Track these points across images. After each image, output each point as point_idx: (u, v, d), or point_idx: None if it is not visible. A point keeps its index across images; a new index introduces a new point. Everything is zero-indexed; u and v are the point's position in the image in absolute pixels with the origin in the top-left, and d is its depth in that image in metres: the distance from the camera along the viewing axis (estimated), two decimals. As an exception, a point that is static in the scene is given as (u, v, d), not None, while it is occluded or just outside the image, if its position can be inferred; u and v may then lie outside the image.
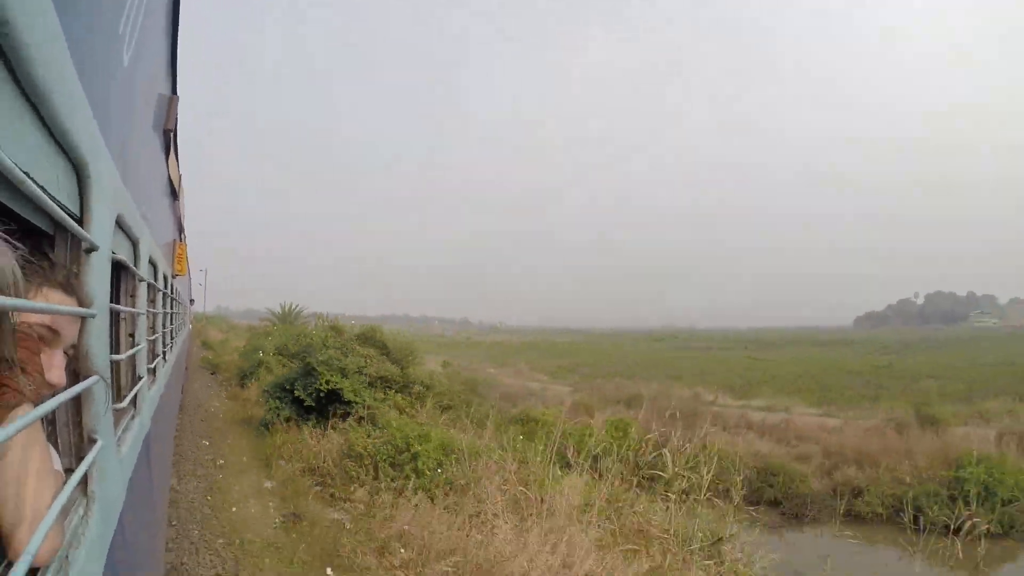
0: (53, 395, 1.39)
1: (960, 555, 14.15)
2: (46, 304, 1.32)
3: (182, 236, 7.25)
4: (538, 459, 9.73)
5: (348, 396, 11.98)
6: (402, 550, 6.97)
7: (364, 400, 12.09)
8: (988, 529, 16.07)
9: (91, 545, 1.43)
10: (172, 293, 6.96)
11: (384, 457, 9.49)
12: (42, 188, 1.20)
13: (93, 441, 1.62)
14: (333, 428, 11.52)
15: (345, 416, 11.84)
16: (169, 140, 3.68)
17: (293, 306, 19.34)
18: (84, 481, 1.59)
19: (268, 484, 9.56)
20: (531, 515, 7.85)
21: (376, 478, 9.15)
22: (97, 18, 1.34)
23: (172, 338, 7.28)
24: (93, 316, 1.59)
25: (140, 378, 3.17)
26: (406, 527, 7.34)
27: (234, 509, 8.30)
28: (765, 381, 42.57)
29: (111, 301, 2.77)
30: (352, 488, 9.04)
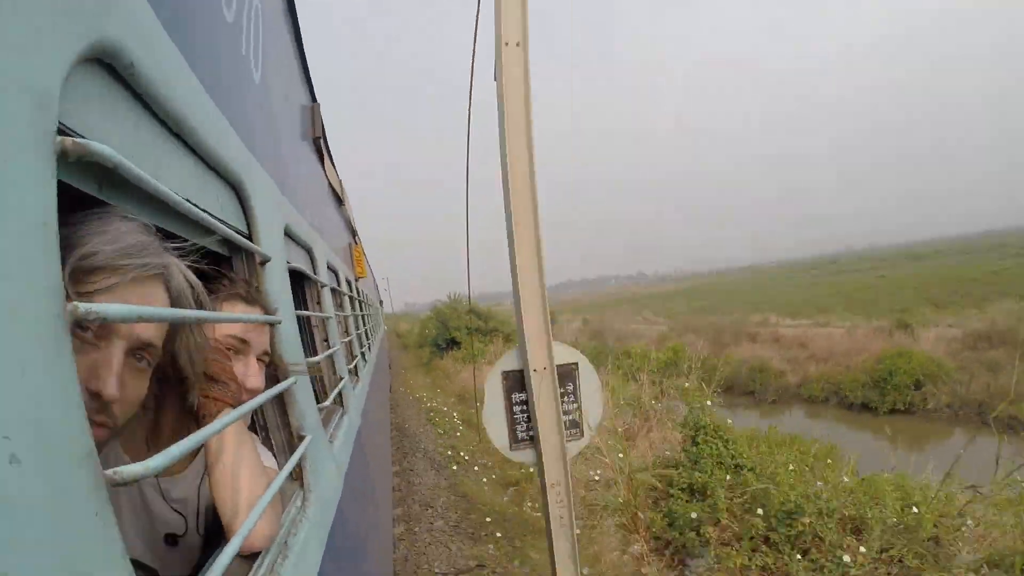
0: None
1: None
2: (232, 314, 1.40)
3: (356, 239, 7.70)
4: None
5: (458, 339, 29.46)
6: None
7: (462, 339, 28.22)
8: (892, 408, 21.79)
9: (309, 532, 1.51)
10: (359, 296, 7.42)
11: (462, 359, 25.23)
12: (206, 211, 1.25)
13: (302, 437, 1.72)
14: (450, 353, 28.84)
15: (457, 347, 29.24)
16: (320, 148, 3.87)
17: (456, 294, 32.19)
18: (299, 475, 1.70)
19: (427, 379, 25.71)
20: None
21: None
22: (219, 46, 1.37)
23: (368, 339, 7.79)
24: (279, 322, 1.68)
25: (342, 378, 3.36)
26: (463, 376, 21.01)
27: (411, 381, 25.07)
28: (865, 300, 49.28)
29: (298, 308, 2.99)
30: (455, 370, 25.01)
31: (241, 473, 1.23)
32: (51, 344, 0.55)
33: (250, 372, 1.49)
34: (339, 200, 5.75)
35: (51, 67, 0.59)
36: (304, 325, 3.11)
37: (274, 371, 1.71)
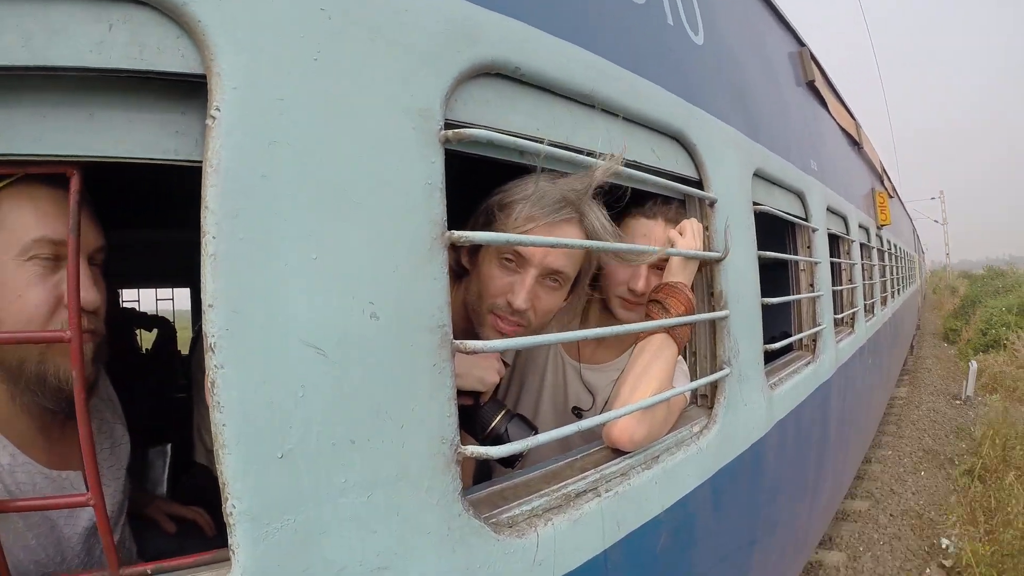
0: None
1: None
2: (642, 246, 1.62)
3: (883, 184, 6.96)
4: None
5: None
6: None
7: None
8: None
9: (691, 457, 1.63)
10: (880, 245, 6.65)
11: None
12: (635, 162, 1.51)
13: (721, 369, 1.85)
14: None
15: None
16: (818, 91, 3.72)
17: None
18: (711, 403, 1.86)
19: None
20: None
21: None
22: (632, 27, 1.58)
23: (884, 290, 6.99)
24: (720, 259, 1.83)
25: (819, 325, 3.26)
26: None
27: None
28: None
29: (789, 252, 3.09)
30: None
31: (631, 373, 1.46)
32: (430, 252, 0.92)
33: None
34: (854, 143, 5.35)
35: (430, 92, 0.94)
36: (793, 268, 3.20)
37: (711, 303, 1.87)
